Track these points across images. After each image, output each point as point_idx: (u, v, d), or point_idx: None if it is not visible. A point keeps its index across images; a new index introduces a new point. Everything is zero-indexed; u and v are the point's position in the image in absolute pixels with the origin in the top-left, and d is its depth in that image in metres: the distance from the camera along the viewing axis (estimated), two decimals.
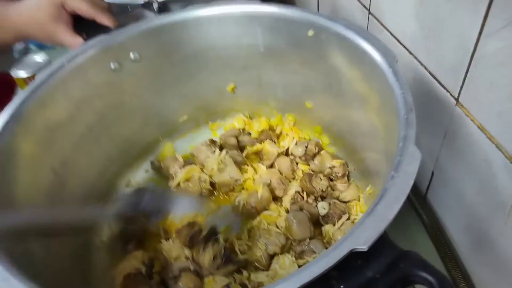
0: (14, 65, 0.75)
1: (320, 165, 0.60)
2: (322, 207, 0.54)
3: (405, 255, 0.28)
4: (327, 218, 0.54)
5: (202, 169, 0.63)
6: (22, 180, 0.44)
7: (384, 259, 0.28)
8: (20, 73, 0.73)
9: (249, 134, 0.67)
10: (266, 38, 0.56)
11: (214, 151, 0.63)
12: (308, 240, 0.52)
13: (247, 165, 0.64)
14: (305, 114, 0.63)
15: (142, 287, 0.52)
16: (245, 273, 0.52)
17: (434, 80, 0.53)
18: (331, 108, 0.58)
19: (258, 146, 0.64)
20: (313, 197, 0.58)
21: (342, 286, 0.27)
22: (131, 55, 0.55)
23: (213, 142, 0.65)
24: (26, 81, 0.73)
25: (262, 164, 0.64)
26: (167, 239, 0.58)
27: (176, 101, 0.64)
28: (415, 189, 0.69)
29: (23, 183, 0.44)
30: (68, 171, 0.52)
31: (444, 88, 0.52)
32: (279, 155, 0.63)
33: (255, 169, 0.64)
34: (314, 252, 0.50)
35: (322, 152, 0.62)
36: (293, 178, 0.62)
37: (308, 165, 0.62)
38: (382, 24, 0.59)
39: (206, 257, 0.52)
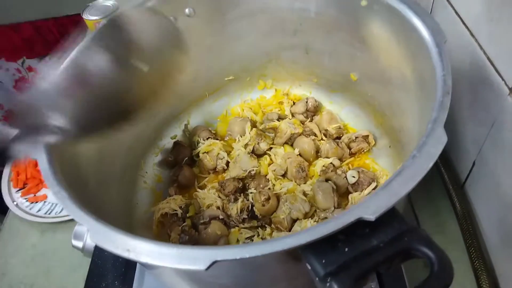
0: (86, 8, 0.81)
1: (322, 123, 0.63)
2: (352, 176, 0.56)
3: (411, 230, 0.29)
4: (356, 186, 0.56)
5: (226, 141, 0.66)
6: None
7: (391, 231, 0.29)
8: (90, 16, 0.79)
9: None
10: (319, 4, 0.55)
11: (242, 136, 0.64)
12: (332, 208, 0.54)
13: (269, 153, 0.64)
14: (349, 86, 0.63)
15: (176, 227, 0.58)
16: (268, 229, 0.56)
17: (491, 66, 0.51)
18: (375, 82, 0.57)
19: (275, 123, 0.65)
20: (342, 169, 0.59)
21: (346, 249, 0.29)
22: (186, 10, 0.57)
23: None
24: (94, 23, 0.79)
25: (274, 143, 0.64)
26: (203, 187, 0.63)
27: (224, 60, 0.66)
28: (454, 176, 0.68)
29: None
30: None
31: (500, 75, 0.50)
32: (294, 134, 0.63)
33: (274, 155, 0.63)
34: None
35: (324, 111, 0.64)
36: (318, 158, 0.62)
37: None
38: (448, 1, 0.56)
39: (234, 209, 0.57)
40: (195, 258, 0.28)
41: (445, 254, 0.28)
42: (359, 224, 0.29)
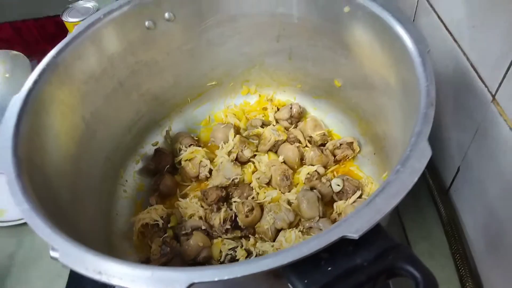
0: (66, 10, 0.79)
1: (306, 130, 0.62)
2: (336, 184, 0.55)
3: (396, 247, 0.28)
4: (341, 195, 0.55)
5: (209, 148, 0.64)
6: (54, 127, 0.47)
7: (374, 249, 0.29)
8: (69, 18, 0.76)
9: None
10: (302, 9, 0.54)
11: (226, 142, 0.63)
12: (317, 218, 0.53)
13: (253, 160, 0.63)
14: (333, 92, 0.62)
15: (157, 238, 0.56)
16: (252, 240, 0.55)
17: (474, 72, 0.51)
18: (359, 89, 0.56)
19: (258, 130, 0.64)
20: (327, 177, 0.58)
21: (329, 268, 0.28)
22: (166, 14, 0.56)
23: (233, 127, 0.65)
24: (74, 25, 0.77)
25: (258, 150, 0.63)
26: (184, 196, 0.61)
27: (207, 65, 0.65)
28: (439, 182, 0.68)
29: (55, 130, 0.48)
30: (98, 122, 0.55)
31: (483, 82, 0.49)
32: (278, 141, 0.62)
33: (258, 162, 0.62)
34: (321, 230, 0.51)
35: (308, 117, 0.63)
36: (302, 165, 0.61)
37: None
38: (431, 6, 0.56)
39: (217, 219, 0.55)
40: (171, 280, 0.27)
41: (430, 273, 0.27)
42: (342, 242, 0.28)
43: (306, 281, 0.28)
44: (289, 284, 0.29)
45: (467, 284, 0.57)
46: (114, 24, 0.52)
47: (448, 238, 0.61)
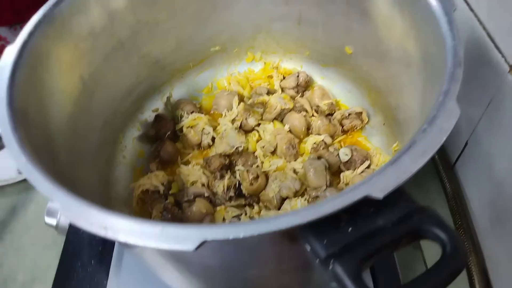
0: None
1: (313, 99, 0.60)
2: (344, 153, 0.53)
3: (421, 210, 0.27)
4: (349, 165, 0.54)
5: (211, 116, 0.62)
6: (52, 84, 0.45)
7: (398, 211, 0.27)
8: None
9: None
10: None
11: (229, 110, 0.61)
12: (324, 187, 0.51)
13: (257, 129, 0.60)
14: (343, 60, 0.60)
15: (158, 204, 0.54)
16: (256, 208, 0.53)
17: (491, 42, 0.49)
18: (371, 56, 0.54)
19: (264, 98, 0.62)
20: (334, 147, 0.56)
21: (350, 229, 0.27)
22: None
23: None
24: None
25: (263, 118, 0.61)
26: (186, 163, 0.59)
27: (211, 29, 0.62)
28: (444, 157, 0.67)
29: (53, 88, 0.45)
30: (97, 83, 0.52)
31: (500, 52, 0.48)
32: (284, 110, 0.60)
33: (263, 131, 0.60)
34: None
35: (315, 86, 0.61)
36: (308, 135, 0.59)
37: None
38: None
39: (220, 187, 0.54)
40: (182, 238, 0.25)
41: (458, 235, 0.26)
42: (364, 203, 0.27)
43: (325, 241, 0.26)
44: (306, 245, 0.27)
45: (470, 258, 0.56)
46: None
47: (452, 213, 0.60)
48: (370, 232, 0.27)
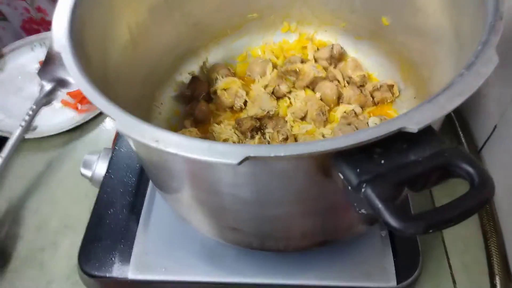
0: None
1: (346, 70, 0.61)
2: (374, 122, 0.54)
3: (451, 148, 0.28)
4: None
5: (245, 81, 0.64)
6: (103, 25, 0.47)
7: (430, 148, 0.28)
8: None
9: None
10: None
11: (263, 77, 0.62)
12: None
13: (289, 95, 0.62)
14: (378, 32, 0.60)
15: None
16: None
17: None
18: (408, 27, 0.55)
19: (297, 66, 0.63)
20: (364, 116, 0.57)
21: (383, 161, 0.28)
22: None
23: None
24: None
25: (295, 86, 0.62)
26: (219, 123, 0.62)
27: None
28: (471, 140, 0.67)
29: (103, 29, 0.47)
30: (141, 35, 0.55)
31: None
32: (316, 78, 0.61)
33: (294, 98, 0.62)
34: None
35: (349, 57, 0.62)
36: (339, 105, 0.60)
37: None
38: None
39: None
40: (228, 153, 0.27)
41: (486, 171, 0.27)
42: (397, 139, 0.28)
43: (358, 170, 0.28)
44: (339, 174, 0.29)
45: (490, 240, 0.57)
46: None
47: None
48: (402, 164, 0.28)
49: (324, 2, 0.63)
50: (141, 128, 0.29)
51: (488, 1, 0.36)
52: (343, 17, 0.64)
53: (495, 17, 0.33)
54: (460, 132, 0.67)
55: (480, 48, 0.31)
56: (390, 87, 0.59)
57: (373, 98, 0.60)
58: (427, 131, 0.28)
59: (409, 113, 0.28)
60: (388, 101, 0.60)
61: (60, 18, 0.38)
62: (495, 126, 0.61)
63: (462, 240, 0.58)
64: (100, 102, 0.31)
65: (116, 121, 0.30)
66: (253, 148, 0.27)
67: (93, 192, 0.60)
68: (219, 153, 0.27)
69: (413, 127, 0.27)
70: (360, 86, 0.62)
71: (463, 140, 0.67)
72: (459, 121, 0.68)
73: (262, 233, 0.42)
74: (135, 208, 0.58)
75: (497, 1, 0.34)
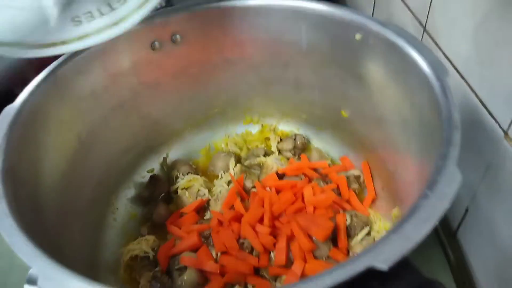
0: None
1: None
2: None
3: (428, 284, 0.25)
4: (349, 231, 0.52)
5: (207, 177, 0.62)
6: (47, 142, 0.45)
7: (404, 285, 0.25)
8: None
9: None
10: (310, 36, 0.54)
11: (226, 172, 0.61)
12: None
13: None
14: (339, 124, 0.60)
15: (146, 272, 0.51)
16: None
17: (484, 108, 0.49)
18: (368, 120, 0.55)
19: (260, 159, 0.62)
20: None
21: None
22: (173, 36, 0.54)
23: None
24: None
25: (259, 180, 0.59)
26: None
27: (210, 91, 0.63)
28: (445, 224, 0.65)
29: (48, 146, 0.45)
30: (93, 143, 0.52)
31: (494, 118, 0.48)
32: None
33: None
34: None
35: (312, 147, 0.62)
36: None
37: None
38: (436, 43, 0.56)
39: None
40: None
41: None
42: (367, 275, 0.25)
43: None
44: None
45: None
46: (120, 42, 0.50)
47: (457, 283, 0.57)
48: None
49: (285, 96, 0.64)
50: (68, 286, 0.25)
51: (441, 105, 0.36)
52: (303, 109, 0.64)
53: (450, 126, 0.32)
54: None
55: (441, 163, 0.29)
56: (357, 177, 0.58)
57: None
58: (400, 263, 0.25)
59: (376, 248, 0.25)
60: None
61: None
62: (467, 209, 0.59)
63: None
64: (22, 248, 0.27)
65: (39, 277, 0.25)
66: None
67: None
68: None
69: (382, 265, 0.24)
70: (325, 176, 0.60)
71: (437, 225, 0.65)
72: None
73: None
74: None
75: (451, 109, 0.33)
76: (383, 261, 0.24)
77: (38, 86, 0.43)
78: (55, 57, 0.46)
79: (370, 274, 0.25)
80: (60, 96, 0.46)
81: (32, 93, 0.42)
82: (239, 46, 0.57)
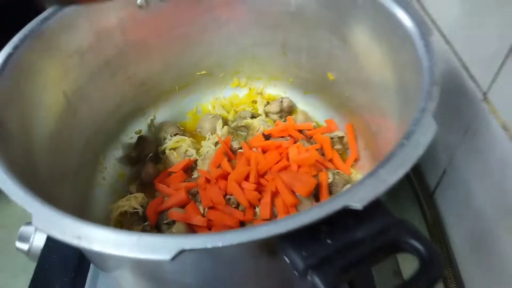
0: None
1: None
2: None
3: (398, 222, 0.27)
4: (331, 188, 0.54)
5: (195, 138, 0.63)
6: (35, 98, 0.45)
7: (377, 224, 0.27)
8: None
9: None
10: None
11: (213, 133, 0.61)
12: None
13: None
14: (325, 87, 0.61)
15: (136, 227, 0.53)
16: None
17: (465, 71, 0.51)
18: (353, 82, 0.56)
19: (247, 121, 0.63)
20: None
21: (329, 241, 0.26)
22: None
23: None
24: None
25: (246, 141, 0.61)
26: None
27: (198, 52, 0.63)
28: (424, 184, 0.68)
29: (35, 102, 0.45)
30: (81, 101, 0.52)
31: (474, 81, 0.50)
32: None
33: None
34: None
35: (299, 110, 0.63)
36: None
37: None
38: (423, 8, 0.57)
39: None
40: (159, 247, 0.24)
41: (434, 246, 0.26)
42: (343, 214, 0.27)
43: (304, 253, 0.26)
44: (285, 257, 0.27)
45: (450, 285, 0.56)
46: None
47: (432, 240, 0.60)
48: (349, 244, 0.26)
49: (272, 59, 0.64)
50: (61, 222, 0.26)
51: (423, 63, 0.37)
52: (290, 72, 0.65)
53: (431, 82, 0.33)
54: (413, 177, 0.68)
55: (418, 116, 0.31)
56: (341, 138, 0.60)
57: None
58: (373, 204, 0.27)
59: (352, 190, 0.27)
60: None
61: None
62: (445, 170, 0.62)
63: None
64: (15, 193, 0.28)
65: (33, 216, 0.26)
66: (188, 240, 0.25)
67: (32, 266, 0.54)
68: (149, 248, 0.24)
69: (357, 204, 0.26)
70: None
71: (416, 184, 0.68)
72: None
73: None
74: (77, 285, 0.52)
75: (432, 66, 0.34)
76: (358, 201, 0.26)
77: (22, 39, 0.43)
78: (38, 12, 0.45)
79: (347, 213, 0.26)
80: (45, 51, 0.46)
81: (16, 47, 0.42)
82: (228, 4, 0.57)
